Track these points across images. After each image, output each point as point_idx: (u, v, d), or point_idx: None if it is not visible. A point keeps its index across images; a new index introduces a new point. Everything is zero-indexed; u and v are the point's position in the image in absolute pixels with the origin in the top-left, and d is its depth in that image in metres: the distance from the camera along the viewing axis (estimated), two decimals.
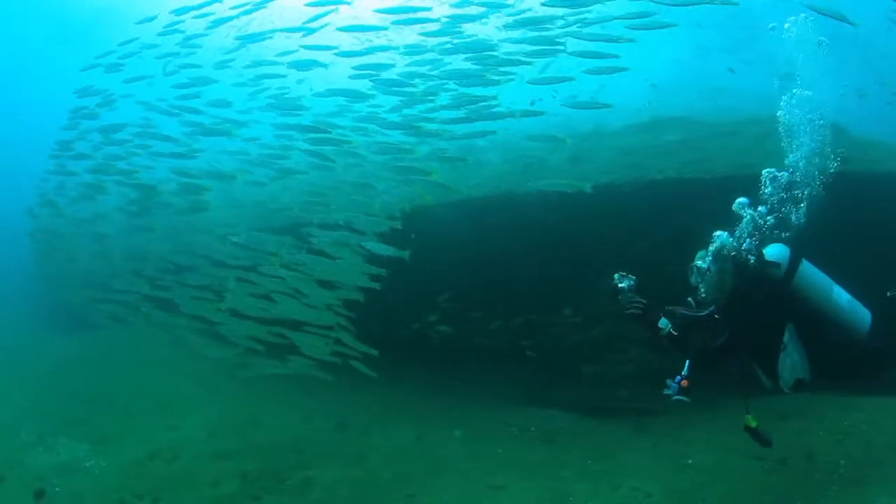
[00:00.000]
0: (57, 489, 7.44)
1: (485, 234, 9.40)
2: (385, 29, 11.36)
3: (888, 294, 5.24)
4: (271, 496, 7.00)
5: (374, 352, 8.99)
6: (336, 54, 10.67)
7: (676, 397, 4.91)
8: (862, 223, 7.82)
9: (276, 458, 7.81)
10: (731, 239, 5.15)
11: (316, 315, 9.48)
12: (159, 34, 12.86)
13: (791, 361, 4.90)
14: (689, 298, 5.27)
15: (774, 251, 5.12)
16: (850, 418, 7.01)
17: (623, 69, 9.32)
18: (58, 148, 13.20)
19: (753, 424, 5.11)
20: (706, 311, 5.18)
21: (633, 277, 5.23)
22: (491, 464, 7.39)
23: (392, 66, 10.48)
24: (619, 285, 5.22)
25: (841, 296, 5.03)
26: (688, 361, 5.04)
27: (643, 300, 5.15)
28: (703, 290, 5.12)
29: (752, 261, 5.04)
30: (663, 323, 5.10)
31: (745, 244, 5.15)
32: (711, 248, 5.14)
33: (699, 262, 5.12)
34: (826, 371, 5.02)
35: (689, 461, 6.82)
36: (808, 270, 5.03)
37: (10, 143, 33.21)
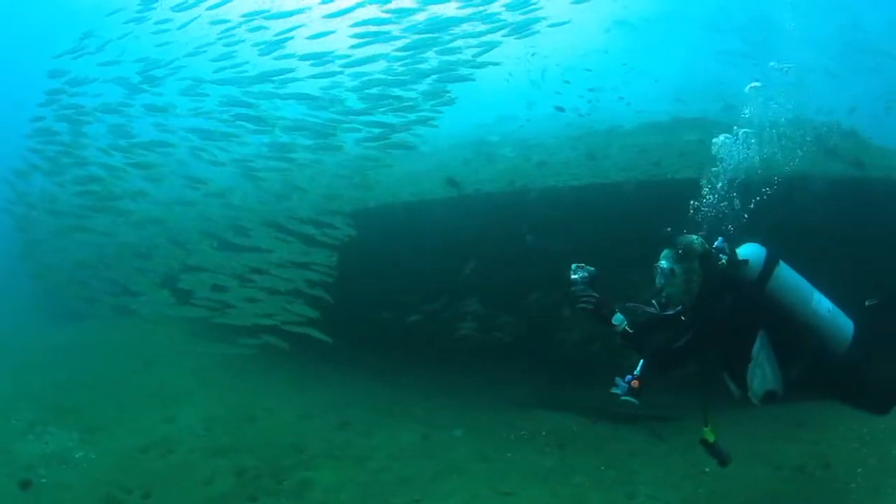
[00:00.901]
0: (43, 479, 7.07)
1: (497, 229, 8.98)
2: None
3: (867, 303, 4.88)
4: (268, 497, 6.58)
5: (315, 313, 8.98)
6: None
7: (624, 398, 4.54)
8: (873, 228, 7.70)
9: (274, 457, 7.37)
10: (699, 238, 4.70)
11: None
12: (125, 22, 12.88)
13: (762, 371, 4.47)
14: (653, 300, 4.85)
15: (749, 251, 4.66)
16: (867, 426, 6.82)
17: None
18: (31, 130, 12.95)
19: (711, 439, 4.73)
20: (672, 312, 4.76)
21: (592, 269, 4.80)
22: (500, 468, 6.98)
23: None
24: (573, 276, 4.78)
25: (821, 304, 4.58)
26: (641, 361, 4.65)
27: (595, 294, 4.72)
28: (666, 292, 4.70)
29: (723, 260, 4.60)
30: (618, 319, 4.68)
31: (716, 243, 4.71)
32: (678, 247, 4.70)
33: (663, 263, 4.69)
34: (801, 384, 4.59)
35: (707, 469, 6.45)
36: (786, 274, 4.59)
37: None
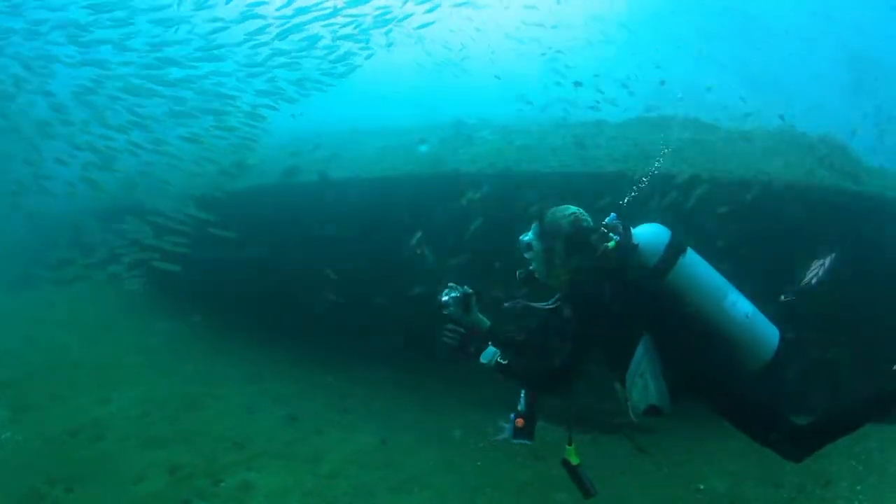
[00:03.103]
0: None
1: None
2: None
3: (781, 298, 3.74)
4: (202, 501, 5.37)
5: (185, 250, 9.30)
6: None
7: (516, 441, 3.47)
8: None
9: (213, 452, 6.17)
10: (574, 213, 3.48)
11: None
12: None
13: (643, 383, 3.31)
14: (518, 271, 3.62)
15: (647, 233, 3.47)
16: (861, 446, 6.31)
17: None
18: None
19: (574, 462, 3.54)
20: (551, 304, 3.56)
21: (468, 290, 3.54)
22: (470, 480, 5.87)
23: None
24: (443, 299, 3.54)
25: (737, 307, 3.39)
26: (522, 393, 3.54)
27: (462, 328, 3.49)
28: (533, 266, 3.54)
29: (611, 242, 3.37)
30: (487, 355, 3.44)
31: (608, 219, 3.47)
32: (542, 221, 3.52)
33: (526, 235, 3.53)
34: (696, 402, 3.41)
35: (701, 486, 5.77)
36: (694, 266, 3.42)
37: None
